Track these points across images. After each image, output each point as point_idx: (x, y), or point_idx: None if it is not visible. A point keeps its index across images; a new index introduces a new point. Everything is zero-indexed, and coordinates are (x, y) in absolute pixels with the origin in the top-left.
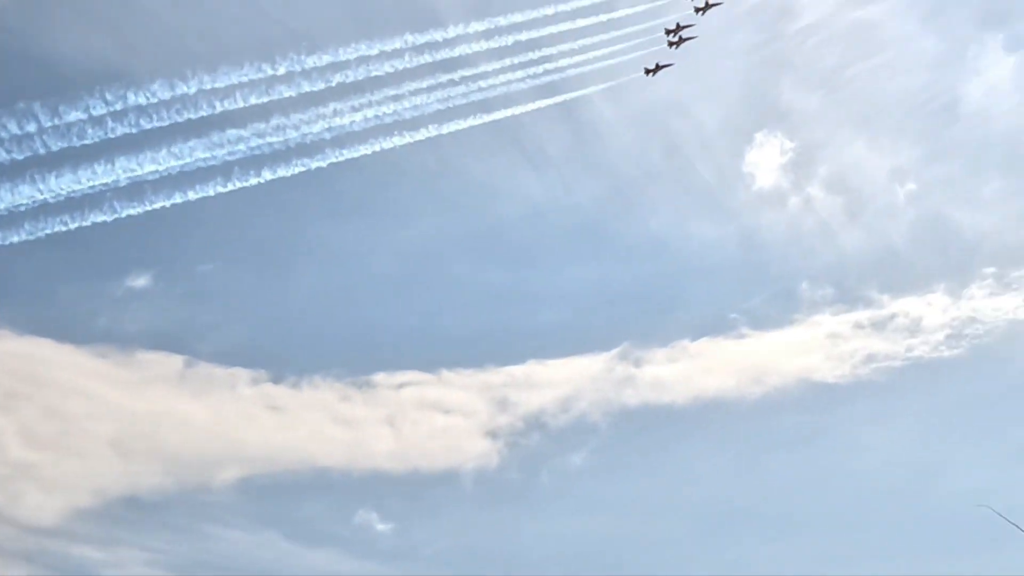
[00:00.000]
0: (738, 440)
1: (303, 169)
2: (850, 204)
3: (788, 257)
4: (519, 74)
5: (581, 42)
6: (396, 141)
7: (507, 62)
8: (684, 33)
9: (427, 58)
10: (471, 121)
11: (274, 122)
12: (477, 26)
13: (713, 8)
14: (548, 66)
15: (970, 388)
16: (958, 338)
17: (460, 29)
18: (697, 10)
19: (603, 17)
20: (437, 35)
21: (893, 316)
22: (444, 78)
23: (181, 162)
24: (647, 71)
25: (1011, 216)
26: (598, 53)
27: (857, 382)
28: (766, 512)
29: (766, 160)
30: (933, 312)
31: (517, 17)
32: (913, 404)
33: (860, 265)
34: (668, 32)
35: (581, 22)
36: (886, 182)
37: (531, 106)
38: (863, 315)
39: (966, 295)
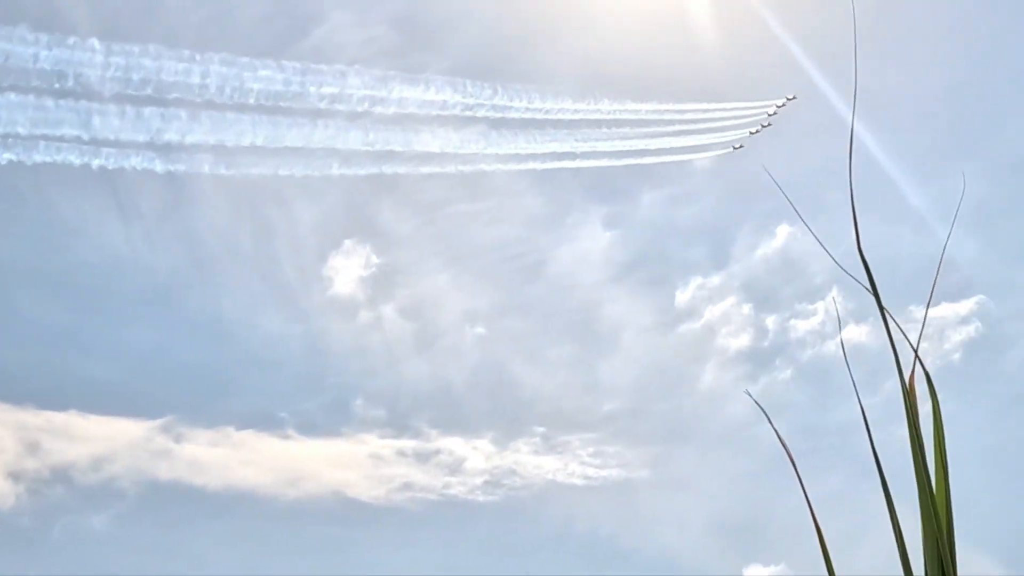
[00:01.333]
0: (263, 537)
1: None
2: (419, 333)
3: (348, 370)
4: (133, 124)
5: (208, 116)
6: None
7: (126, 107)
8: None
9: (42, 80)
10: (69, 157)
11: None
12: (101, 57)
13: None
14: (164, 126)
15: (497, 535)
16: (495, 486)
17: (88, 54)
18: None
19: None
20: (59, 49)
21: (438, 451)
22: (50, 100)
23: None
24: (749, 134)
25: (570, 383)
26: (210, 135)
27: (391, 506)
28: None
29: (349, 268)
30: (477, 456)
31: (149, 62)
32: (440, 538)
33: (416, 395)
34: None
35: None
36: (458, 321)
37: (136, 162)
38: (409, 444)
39: (512, 447)
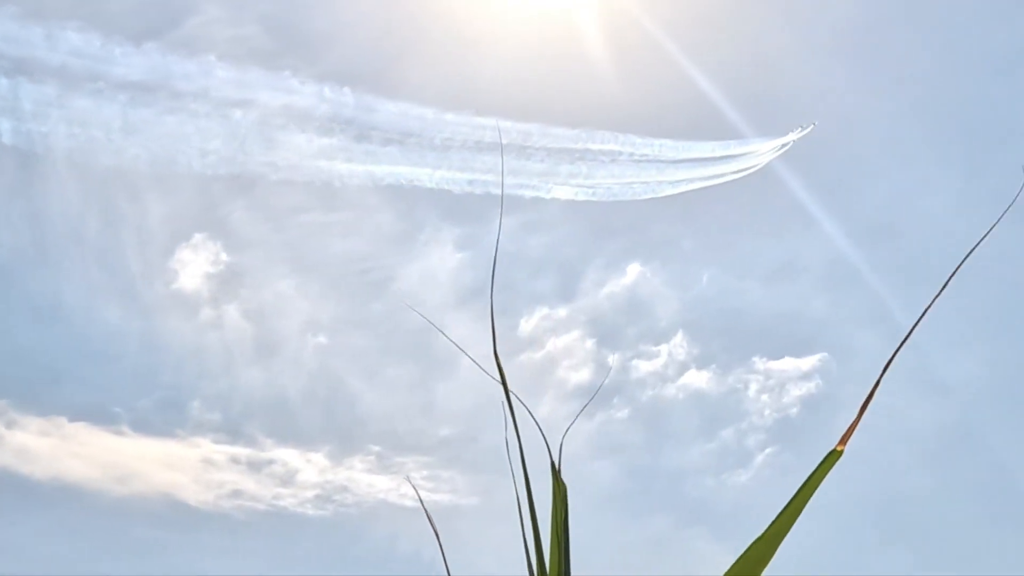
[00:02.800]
0: (86, 533)
1: None
2: (261, 338)
3: (186, 369)
4: None
5: (66, 96)
6: None
7: None
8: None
9: None
10: None
11: None
12: None
13: None
14: (17, 101)
15: (322, 550)
16: (326, 501)
17: None
18: None
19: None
20: None
21: (271, 461)
22: None
23: None
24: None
25: (408, 404)
26: (67, 115)
27: (218, 512)
28: None
29: (196, 263)
30: (310, 470)
31: (7, 28)
32: (265, 549)
33: (253, 401)
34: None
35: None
36: (299, 330)
37: None
38: (242, 451)
39: (347, 464)
